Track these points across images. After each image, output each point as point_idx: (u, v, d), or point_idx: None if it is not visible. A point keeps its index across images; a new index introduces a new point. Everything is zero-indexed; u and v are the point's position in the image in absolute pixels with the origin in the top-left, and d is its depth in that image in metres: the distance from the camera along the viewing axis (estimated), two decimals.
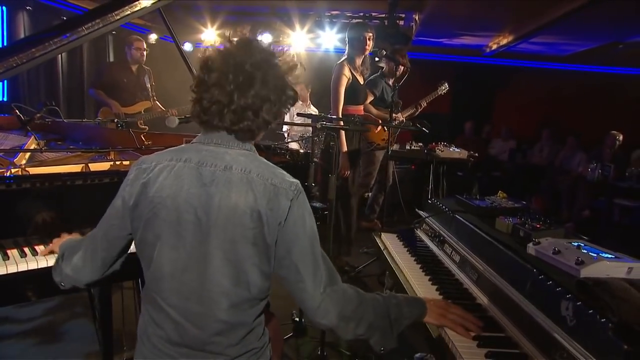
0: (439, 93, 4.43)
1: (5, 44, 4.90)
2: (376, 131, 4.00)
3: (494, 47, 7.09)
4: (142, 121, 4.28)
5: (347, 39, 4.07)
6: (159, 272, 1.16)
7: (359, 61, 4.08)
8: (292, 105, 1.27)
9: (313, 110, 5.91)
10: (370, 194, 4.58)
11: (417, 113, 4.38)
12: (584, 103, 7.46)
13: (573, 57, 7.28)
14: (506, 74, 8.09)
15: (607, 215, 5.55)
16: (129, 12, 2.32)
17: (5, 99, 5.01)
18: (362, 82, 4.13)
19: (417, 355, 2.35)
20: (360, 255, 4.25)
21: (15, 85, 5.10)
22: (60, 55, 5.46)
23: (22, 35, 5.01)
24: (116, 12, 2.28)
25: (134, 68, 4.52)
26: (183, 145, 1.24)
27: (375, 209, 4.58)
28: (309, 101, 6.10)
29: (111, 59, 6.51)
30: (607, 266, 1.29)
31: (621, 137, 6.09)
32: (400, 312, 1.26)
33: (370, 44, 4.01)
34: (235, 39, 1.18)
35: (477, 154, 4.52)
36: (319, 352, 2.55)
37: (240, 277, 1.13)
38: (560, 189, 6.22)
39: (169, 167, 1.16)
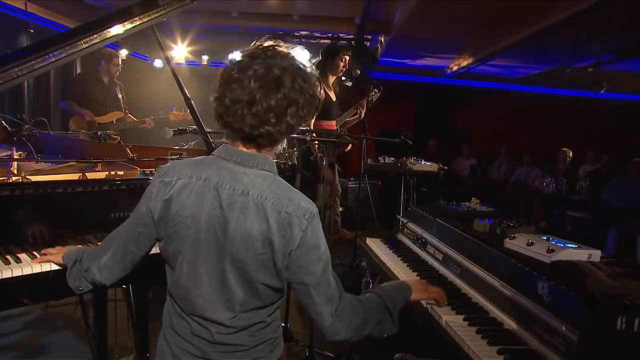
0: (370, 98, 4.50)
1: None
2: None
3: (455, 68, 7.49)
4: (114, 131, 4.28)
5: (324, 58, 4.31)
6: (179, 282, 1.23)
7: (332, 80, 4.33)
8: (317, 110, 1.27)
9: None
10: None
11: (356, 120, 4.52)
12: (537, 121, 8.01)
13: (527, 79, 7.84)
14: (466, 94, 8.52)
15: (561, 226, 5.97)
16: (121, 30, 2.41)
17: None
18: (334, 99, 4.37)
19: (397, 355, 2.49)
20: (335, 267, 4.38)
21: None
22: None
23: None
24: (110, 29, 2.35)
25: (106, 80, 4.53)
26: (204, 157, 1.27)
27: (336, 219, 4.71)
28: None
29: (78, 72, 6.44)
30: (572, 253, 1.53)
31: (571, 154, 6.60)
32: (394, 299, 1.35)
33: (344, 65, 4.29)
34: (263, 44, 1.18)
35: (446, 167, 4.78)
36: (307, 354, 2.65)
37: (253, 291, 1.20)
38: (518, 202, 6.62)
39: (190, 185, 1.18)
